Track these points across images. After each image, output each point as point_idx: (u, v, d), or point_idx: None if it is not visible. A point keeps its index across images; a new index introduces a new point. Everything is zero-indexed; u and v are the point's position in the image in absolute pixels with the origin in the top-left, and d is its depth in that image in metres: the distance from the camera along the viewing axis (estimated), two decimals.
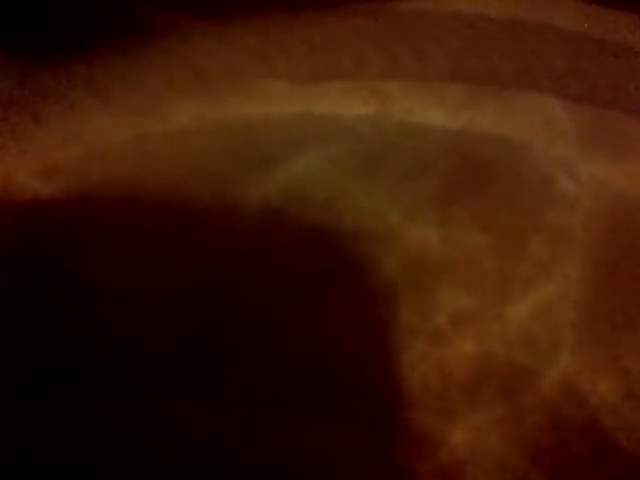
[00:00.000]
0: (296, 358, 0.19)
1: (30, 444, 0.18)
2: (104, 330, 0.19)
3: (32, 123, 0.21)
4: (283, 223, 0.19)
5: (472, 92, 0.23)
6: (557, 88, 0.23)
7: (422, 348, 0.19)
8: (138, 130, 0.21)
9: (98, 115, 0.21)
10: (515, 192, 0.21)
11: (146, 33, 0.23)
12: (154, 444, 0.18)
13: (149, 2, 0.23)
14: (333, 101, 0.22)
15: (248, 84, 0.22)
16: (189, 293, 0.19)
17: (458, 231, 0.20)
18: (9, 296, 0.19)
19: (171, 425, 0.18)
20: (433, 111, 0.22)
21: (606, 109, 0.22)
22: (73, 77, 0.21)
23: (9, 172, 0.20)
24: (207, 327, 0.19)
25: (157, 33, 0.23)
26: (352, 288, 0.19)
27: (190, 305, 0.19)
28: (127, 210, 0.20)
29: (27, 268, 0.19)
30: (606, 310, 0.19)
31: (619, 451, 0.18)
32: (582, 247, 0.20)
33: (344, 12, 0.23)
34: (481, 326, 0.19)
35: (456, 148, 0.21)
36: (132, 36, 0.22)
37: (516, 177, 0.21)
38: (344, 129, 0.21)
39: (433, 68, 0.23)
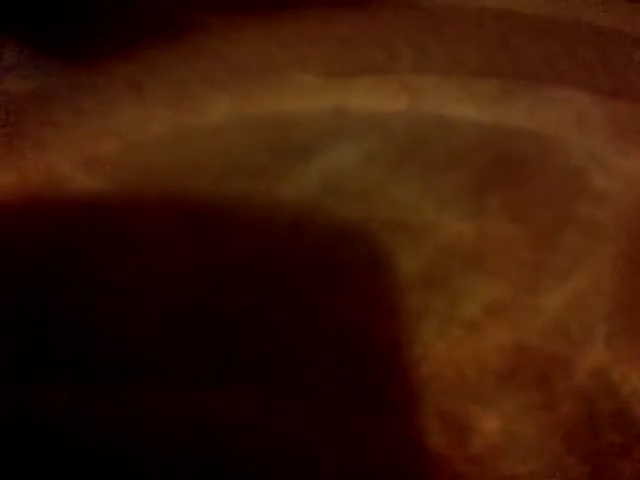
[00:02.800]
0: (326, 347, 0.19)
1: (55, 431, 0.19)
2: (140, 318, 0.20)
3: (72, 116, 0.22)
4: (318, 215, 0.20)
5: (503, 86, 0.23)
6: (588, 83, 0.24)
7: (456, 337, 0.19)
8: (174, 123, 0.22)
9: (134, 108, 0.22)
10: (547, 185, 0.21)
11: (180, 28, 0.24)
12: (173, 429, 0.19)
13: (182, 3, 0.24)
14: (365, 95, 0.23)
15: (281, 78, 0.23)
16: (225, 284, 0.20)
17: (491, 222, 0.20)
18: (52, 282, 0.20)
19: (189, 410, 0.19)
20: (464, 105, 0.23)
21: (638, 104, 0.23)
22: (110, 72, 0.22)
23: (53, 164, 0.21)
24: (237, 318, 0.20)
25: (190, 28, 0.24)
26: (386, 278, 0.20)
27: (224, 296, 0.20)
28: (165, 202, 0.21)
29: (70, 256, 0.20)
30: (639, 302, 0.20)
31: None
32: (615, 241, 0.21)
33: (376, 7, 0.24)
34: (515, 316, 0.20)
35: (488, 142, 0.22)
36: (166, 32, 0.23)
37: (548, 170, 0.22)
38: (377, 123, 0.22)
39: (464, 62, 0.24)
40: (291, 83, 0.22)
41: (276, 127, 0.22)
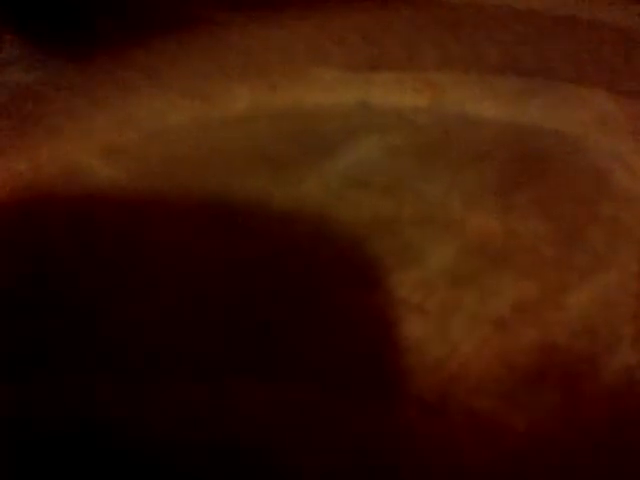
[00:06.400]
0: (353, 343, 0.19)
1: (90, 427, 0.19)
2: (165, 309, 0.19)
3: (90, 106, 0.22)
4: (344, 209, 0.20)
5: (524, 85, 0.23)
6: (609, 82, 0.24)
7: (484, 334, 0.19)
8: (194, 114, 0.22)
9: (154, 99, 0.22)
10: (571, 184, 0.21)
11: (201, 21, 0.24)
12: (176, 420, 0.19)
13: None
14: (387, 91, 0.23)
15: (302, 72, 0.22)
16: (247, 278, 0.20)
17: (518, 219, 0.20)
18: (72, 267, 0.20)
19: (207, 402, 0.19)
20: (486, 103, 0.23)
21: None
22: (130, 62, 0.22)
23: (70, 153, 0.21)
24: (261, 312, 0.20)
25: (210, 21, 0.24)
26: (413, 273, 0.20)
27: (246, 290, 0.20)
28: (185, 194, 0.20)
29: (85, 245, 0.20)
30: None
31: None
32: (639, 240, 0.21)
33: (398, 3, 0.24)
34: (542, 314, 0.20)
35: (510, 140, 0.22)
36: (187, 25, 0.23)
37: (571, 169, 0.22)
38: (399, 118, 0.22)
39: (485, 60, 0.24)
40: (313, 77, 0.22)
41: (299, 120, 0.22)
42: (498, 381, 0.19)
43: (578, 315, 0.20)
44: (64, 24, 0.24)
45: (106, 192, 0.20)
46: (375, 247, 0.20)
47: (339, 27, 0.23)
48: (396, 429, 0.19)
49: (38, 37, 0.25)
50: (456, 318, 0.19)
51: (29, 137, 0.22)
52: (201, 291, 0.20)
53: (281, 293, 0.19)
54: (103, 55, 0.22)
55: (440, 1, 0.25)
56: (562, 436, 0.19)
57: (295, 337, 0.19)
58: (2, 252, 0.20)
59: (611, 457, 0.19)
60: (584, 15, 0.25)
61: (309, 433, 0.18)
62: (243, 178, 0.21)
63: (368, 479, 0.18)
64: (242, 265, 0.20)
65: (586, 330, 0.20)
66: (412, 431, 0.19)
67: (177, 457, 0.19)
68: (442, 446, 0.18)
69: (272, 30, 0.23)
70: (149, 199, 0.20)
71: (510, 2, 0.26)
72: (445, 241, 0.20)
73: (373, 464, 0.18)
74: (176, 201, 0.20)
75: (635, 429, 0.19)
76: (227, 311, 0.20)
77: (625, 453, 0.19)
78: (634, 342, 0.20)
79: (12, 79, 0.25)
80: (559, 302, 0.20)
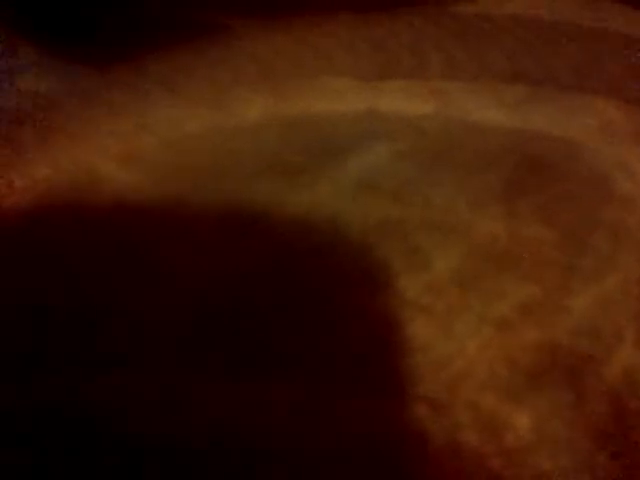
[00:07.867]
0: (360, 344, 0.20)
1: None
2: (167, 310, 0.20)
3: (107, 113, 0.22)
4: (354, 212, 0.21)
5: (529, 93, 0.24)
6: (613, 90, 0.24)
7: (488, 335, 0.20)
8: (208, 122, 0.22)
9: (169, 107, 0.23)
10: (574, 190, 0.22)
11: (214, 31, 0.24)
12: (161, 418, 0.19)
13: (215, 5, 0.25)
14: (395, 99, 0.23)
15: (313, 80, 0.23)
16: (259, 282, 0.21)
17: (522, 224, 0.21)
18: (93, 272, 0.21)
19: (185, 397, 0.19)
20: (491, 111, 0.24)
21: None
22: (145, 70, 0.23)
23: (91, 160, 0.22)
24: (269, 315, 0.20)
25: (224, 30, 0.24)
26: (420, 276, 0.20)
27: (258, 293, 0.21)
28: (201, 200, 0.21)
29: (104, 249, 0.21)
30: None
31: None
32: None
33: (406, 13, 0.25)
34: (546, 315, 0.20)
35: (515, 146, 0.23)
36: (200, 34, 0.24)
37: (575, 175, 0.22)
38: (407, 125, 0.23)
39: (491, 69, 0.24)
40: (323, 85, 0.23)
41: (310, 127, 0.22)
42: (502, 381, 0.20)
43: (581, 317, 0.20)
44: (79, 32, 0.24)
45: (124, 196, 0.21)
46: (384, 250, 0.21)
47: (349, 36, 0.24)
48: (403, 426, 0.19)
49: (54, 44, 0.25)
50: (462, 319, 0.20)
51: (48, 144, 0.22)
52: (213, 292, 0.20)
53: (294, 292, 0.20)
54: (118, 63, 0.23)
55: (447, 11, 0.26)
56: (566, 435, 0.19)
57: (305, 336, 0.20)
58: (23, 255, 0.21)
59: (616, 456, 0.19)
60: (588, 23, 0.26)
61: (310, 433, 0.19)
62: (257, 184, 0.21)
63: (374, 478, 0.19)
64: (256, 267, 0.20)
65: (589, 331, 0.20)
66: (419, 428, 0.19)
67: (177, 456, 0.19)
68: (446, 443, 0.19)
69: (284, 39, 0.24)
70: (166, 203, 0.21)
71: (516, 11, 0.26)
72: (451, 245, 0.21)
73: (378, 462, 0.19)
74: (192, 206, 0.21)
75: (637, 428, 0.20)
76: (232, 313, 0.20)
77: (629, 452, 0.20)
78: (636, 343, 0.20)
79: (29, 86, 0.26)
80: (562, 304, 0.20)
